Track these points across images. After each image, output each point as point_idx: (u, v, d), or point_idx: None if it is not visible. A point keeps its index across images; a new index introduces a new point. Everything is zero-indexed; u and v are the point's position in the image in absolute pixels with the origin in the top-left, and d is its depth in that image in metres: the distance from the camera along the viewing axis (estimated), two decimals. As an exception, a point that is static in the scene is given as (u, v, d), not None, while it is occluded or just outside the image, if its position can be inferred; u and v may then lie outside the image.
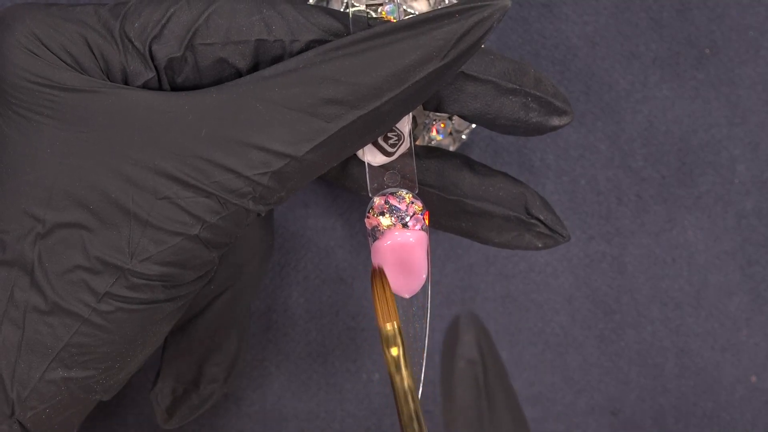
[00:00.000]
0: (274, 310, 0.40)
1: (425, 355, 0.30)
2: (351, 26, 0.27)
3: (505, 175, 0.31)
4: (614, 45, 0.40)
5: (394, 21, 0.29)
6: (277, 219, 0.40)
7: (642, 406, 0.42)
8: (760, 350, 0.42)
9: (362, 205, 0.40)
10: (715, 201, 0.41)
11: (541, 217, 0.31)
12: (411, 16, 0.32)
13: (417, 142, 0.36)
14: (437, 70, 0.25)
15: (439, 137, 0.36)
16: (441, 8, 0.25)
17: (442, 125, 0.36)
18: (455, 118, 0.37)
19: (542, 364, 0.41)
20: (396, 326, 0.29)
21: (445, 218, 0.31)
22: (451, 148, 0.37)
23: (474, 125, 0.37)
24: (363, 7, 0.28)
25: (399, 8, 0.29)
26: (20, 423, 0.27)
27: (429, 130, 0.36)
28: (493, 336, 0.41)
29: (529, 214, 0.31)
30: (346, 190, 0.33)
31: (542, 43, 0.40)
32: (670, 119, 0.41)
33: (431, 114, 0.36)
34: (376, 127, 0.26)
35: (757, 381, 0.42)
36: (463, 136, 0.37)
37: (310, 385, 0.40)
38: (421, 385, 0.30)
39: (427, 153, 0.31)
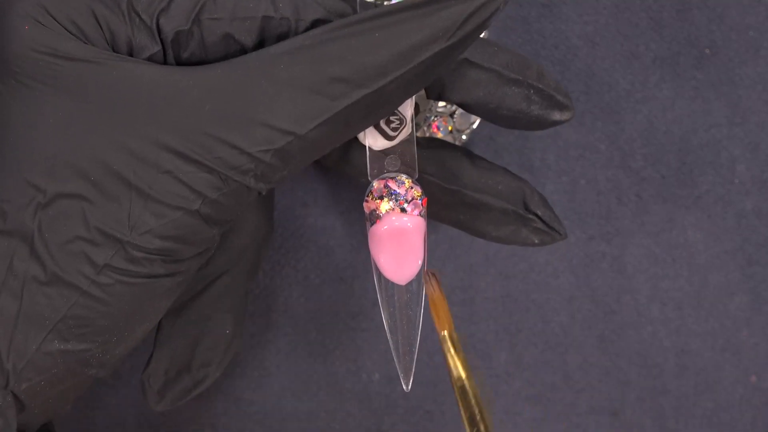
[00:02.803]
0: (274, 310, 0.40)
1: (418, 342, 0.30)
2: (358, 6, 0.27)
3: (505, 170, 0.31)
4: (614, 45, 0.40)
5: None
6: (277, 218, 0.40)
7: (642, 406, 0.41)
8: (760, 350, 0.42)
9: (362, 205, 0.40)
10: (715, 201, 0.41)
11: (539, 213, 0.31)
12: None
13: (418, 136, 0.36)
14: (443, 51, 0.25)
15: (440, 134, 0.36)
16: None
17: (444, 122, 0.36)
18: (457, 117, 0.37)
19: (542, 364, 0.41)
20: (448, 333, 0.29)
21: (443, 209, 0.31)
22: (452, 146, 0.37)
23: (474, 125, 0.37)
24: None
25: None
26: (14, 394, 0.26)
27: (430, 127, 0.36)
28: (493, 336, 0.41)
29: (526, 209, 0.31)
30: (346, 177, 0.33)
31: (542, 43, 0.40)
32: (670, 119, 0.41)
33: (433, 109, 0.36)
34: (380, 107, 0.26)
35: (757, 381, 0.42)
36: (464, 137, 0.37)
37: (310, 385, 0.40)
38: (413, 374, 0.30)
39: (429, 143, 0.31)
